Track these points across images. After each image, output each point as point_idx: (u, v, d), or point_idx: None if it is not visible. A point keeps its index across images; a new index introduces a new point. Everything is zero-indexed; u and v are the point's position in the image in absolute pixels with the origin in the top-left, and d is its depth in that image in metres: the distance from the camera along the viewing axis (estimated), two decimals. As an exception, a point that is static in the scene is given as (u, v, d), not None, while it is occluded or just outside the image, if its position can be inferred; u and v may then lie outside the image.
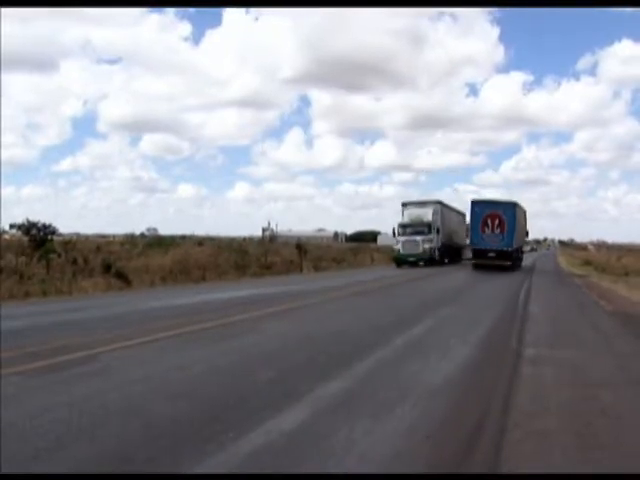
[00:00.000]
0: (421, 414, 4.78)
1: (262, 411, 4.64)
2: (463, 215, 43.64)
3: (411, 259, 33.21)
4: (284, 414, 4.62)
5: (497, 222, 28.06)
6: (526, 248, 44.69)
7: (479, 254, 29.25)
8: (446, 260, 36.76)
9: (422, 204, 36.45)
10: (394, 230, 35.25)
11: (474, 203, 29.63)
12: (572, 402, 5.33)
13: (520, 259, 32.80)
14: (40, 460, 3.62)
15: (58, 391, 5.24)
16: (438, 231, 34.37)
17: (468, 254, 42.41)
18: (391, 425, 4.45)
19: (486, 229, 28.39)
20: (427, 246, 33.37)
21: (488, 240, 28.37)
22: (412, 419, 4.63)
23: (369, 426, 4.39)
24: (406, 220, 35.28)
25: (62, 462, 3.59)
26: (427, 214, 34.79)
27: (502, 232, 28.04)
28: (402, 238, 34.05)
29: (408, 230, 34.29)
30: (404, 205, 36.84)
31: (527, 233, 36.34)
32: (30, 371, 5.94)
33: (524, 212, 33.60)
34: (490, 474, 3.60)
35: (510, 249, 28.48)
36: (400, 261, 33.79)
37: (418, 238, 33.33)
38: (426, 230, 33.83)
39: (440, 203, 37.05)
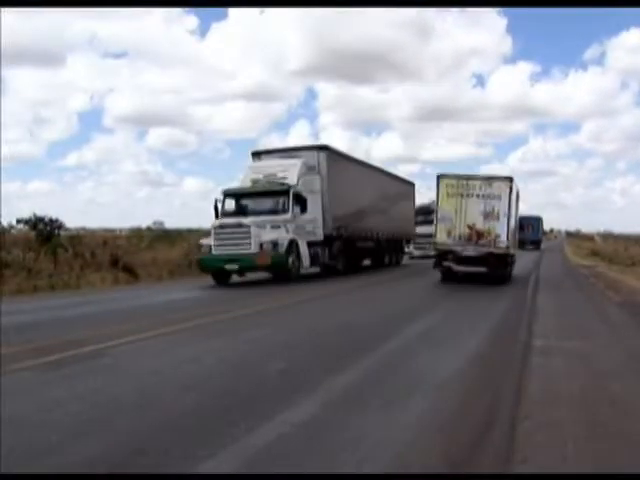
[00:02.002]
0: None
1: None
2: (411, 185, 29.24)
3: (231, 267, 15.49)
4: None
5: (531, 226, 51.15)
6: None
7: (521, 243, 49.81)
8: (340, 266, 19.07)
9: (290, 152, 18.48)
10: (216, 205, 16.83)
11: (521, 218, 56.81)
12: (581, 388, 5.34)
13: (540, 243, 56.22)
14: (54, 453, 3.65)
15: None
16: (304, 205, 16.64)
17: (427, 251, 25.73)
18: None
19: (525, 230, 47.08)
20: (271, 238, 15.43)
21: (526, 236, 47.74)
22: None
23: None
24: (246, 184, 17.39)
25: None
26: (290, 170, 17.02)
27: (533, 231, 52.67)
28: (221, 222, 15.99)
29: (246, 205, 16.77)
30: (255, 155, 19.10)
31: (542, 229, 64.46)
32: (42, 365, 5.99)
33: (542, 220, 58.75)
34: (491, 474, 3.54)
35: (538, 239, 54.68)
36: (209, 269, 16.03)
37: (246, 221, 15.54)
38: (280, 204, 16.30)
39: (327, 149, 18.57)
